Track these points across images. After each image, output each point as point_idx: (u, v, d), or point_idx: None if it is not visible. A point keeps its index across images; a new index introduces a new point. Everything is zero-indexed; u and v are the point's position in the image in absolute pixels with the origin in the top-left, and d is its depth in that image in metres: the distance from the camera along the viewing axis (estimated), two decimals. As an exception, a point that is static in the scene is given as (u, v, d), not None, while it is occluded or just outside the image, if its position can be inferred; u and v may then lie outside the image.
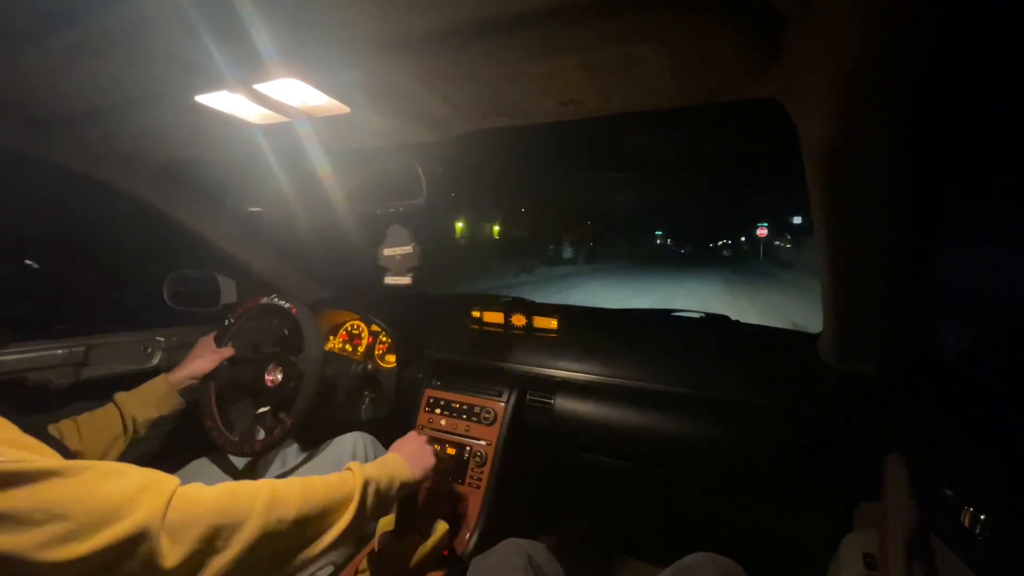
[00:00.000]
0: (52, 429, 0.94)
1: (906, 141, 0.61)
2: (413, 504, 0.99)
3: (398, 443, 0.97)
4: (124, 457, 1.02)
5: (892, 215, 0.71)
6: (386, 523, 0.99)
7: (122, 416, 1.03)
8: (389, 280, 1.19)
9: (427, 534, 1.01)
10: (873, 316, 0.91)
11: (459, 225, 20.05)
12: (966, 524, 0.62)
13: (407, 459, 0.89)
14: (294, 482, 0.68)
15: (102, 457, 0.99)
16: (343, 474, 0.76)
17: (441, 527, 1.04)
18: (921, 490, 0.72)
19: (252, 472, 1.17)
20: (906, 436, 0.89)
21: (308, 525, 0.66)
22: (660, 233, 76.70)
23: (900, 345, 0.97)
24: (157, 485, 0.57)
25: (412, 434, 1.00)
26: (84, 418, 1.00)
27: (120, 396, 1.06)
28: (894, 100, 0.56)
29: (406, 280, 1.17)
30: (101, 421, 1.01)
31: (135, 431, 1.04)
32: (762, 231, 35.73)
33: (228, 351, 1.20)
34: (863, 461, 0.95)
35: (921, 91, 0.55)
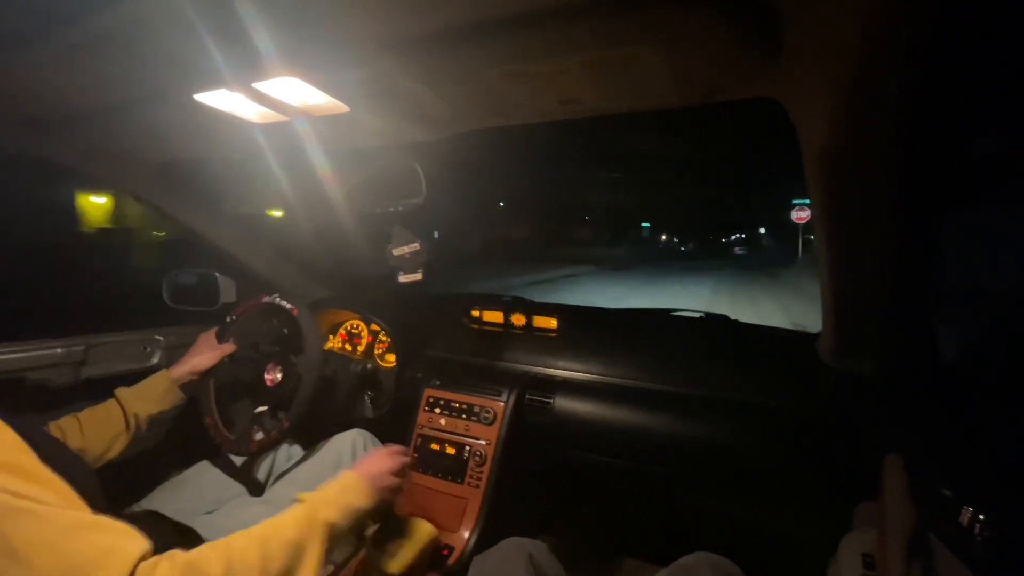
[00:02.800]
0: (54, 427, 0.94)
1: (906, 140, 0.61)
2: (409, 505, 0.99)
3: (361, 463, 0.91)
4: (125, 455, 1.02)
5: (892, 214, 0.71)
6: (380, 523, 0.99)
7: (124, 412, 1.03)
8: (403, 279, 1.18)
9: (420, 535, 1.02)
10: (873, 316, 0.91)
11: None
12: (965, 524, 0.62)
13: (367, 481, 0.85)
14: (251, 543, 0.64)
15: (104, 453, 0.99)
16: (298, 516, 0.71)
17: (429, 528, 1.04)
18: (920, 490, 0.72)
19: (251, 472, 1.17)
20: (905, 436, 0.89)
21: None
22: (648, 226, 59.52)
23: (899, 345, 0.97)
24: (124, 551, 0.54)
25: (379, 452, 0.95)
26: (86, 415, 1.00)
27: (121, 392, 1.06)
28: (894, 99, 0.56)
29: (418, 276, 1.17)
30: (103, 418, 1.01)
31: (137, 427, 1.03)
32: (801, 213, 19.87)
33: (229, 347, 1.20)
34: (862, 461, 0.95)
35: (922, 90, 0.54)
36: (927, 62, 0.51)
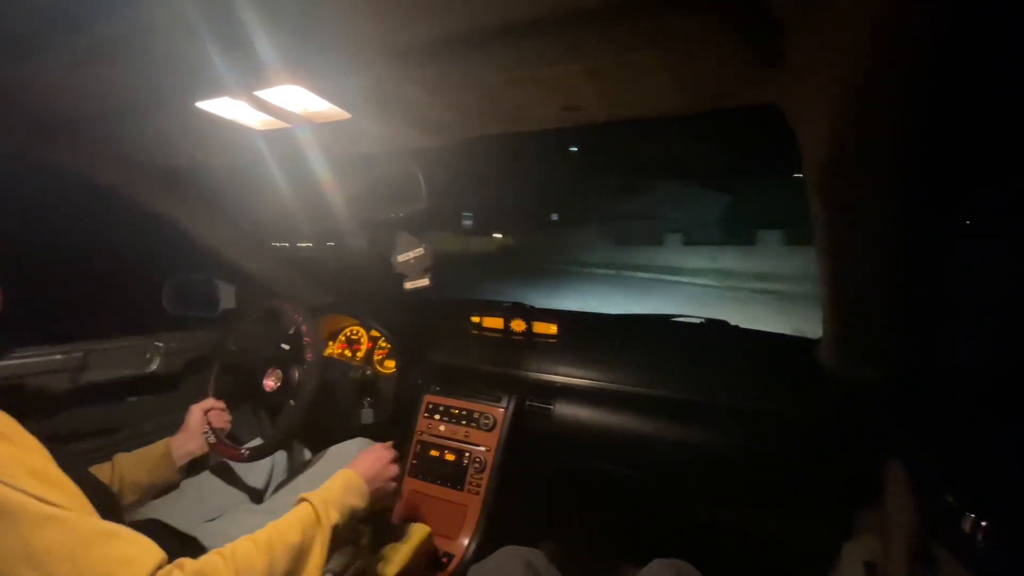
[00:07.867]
0: None
1: (910, 144, 0.61)
2: (403, 511, 0.99)
3: (357, 459, 0.93)
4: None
5: (895, 220, 0.71)
6: (375, 529, 0.99)
7: (112, 472, 0.96)
8: (409, 285, 1.18)
9: (414, 536, 1.02)
10: (874, 321, 0.91)
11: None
12: (968, 531, 0.62)
13: (367, 482, 0.87)
14: (257, 549, 0.66)
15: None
16: (304, 519, 0.74)
17: (424, 528, 1.04)
18: (923, 496, 0.72)
19: (253, 480, 1.16)
20: (908, 442, 0.89)
21: None
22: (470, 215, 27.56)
23: (901, 350, 0.97)
24: (140, 561, 0.55)
25: (375, 447, 0.98)
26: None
27: (118, 457, 0.99)
28: (898, 105, 0.56)
29: (425, 282, 1.16)
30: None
31: (120, 491, 0.96)
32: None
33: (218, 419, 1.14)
34: (864, 467, 0.95)
35: (927, 96, 0.55)
36: (934, 66, 0.51)
